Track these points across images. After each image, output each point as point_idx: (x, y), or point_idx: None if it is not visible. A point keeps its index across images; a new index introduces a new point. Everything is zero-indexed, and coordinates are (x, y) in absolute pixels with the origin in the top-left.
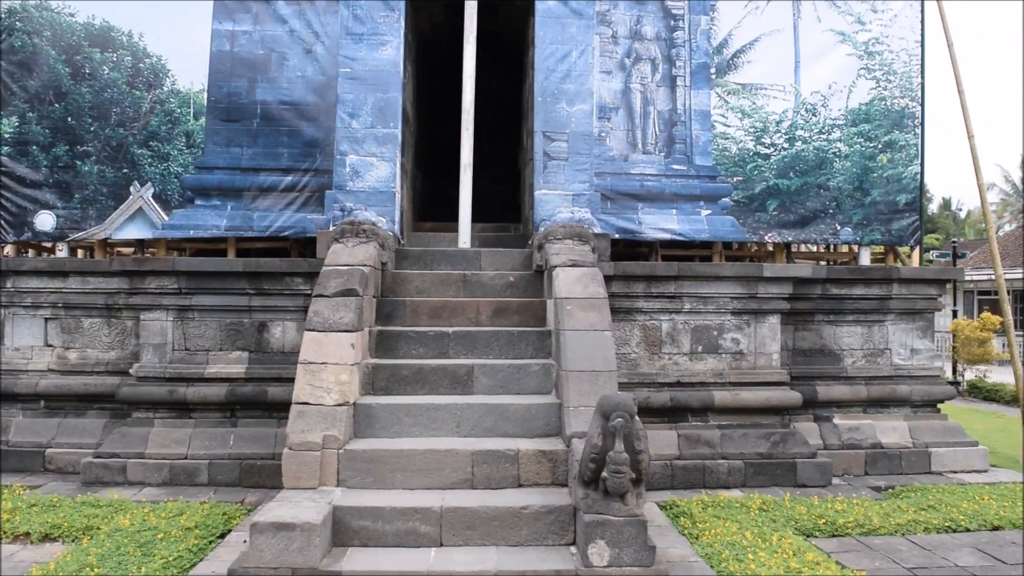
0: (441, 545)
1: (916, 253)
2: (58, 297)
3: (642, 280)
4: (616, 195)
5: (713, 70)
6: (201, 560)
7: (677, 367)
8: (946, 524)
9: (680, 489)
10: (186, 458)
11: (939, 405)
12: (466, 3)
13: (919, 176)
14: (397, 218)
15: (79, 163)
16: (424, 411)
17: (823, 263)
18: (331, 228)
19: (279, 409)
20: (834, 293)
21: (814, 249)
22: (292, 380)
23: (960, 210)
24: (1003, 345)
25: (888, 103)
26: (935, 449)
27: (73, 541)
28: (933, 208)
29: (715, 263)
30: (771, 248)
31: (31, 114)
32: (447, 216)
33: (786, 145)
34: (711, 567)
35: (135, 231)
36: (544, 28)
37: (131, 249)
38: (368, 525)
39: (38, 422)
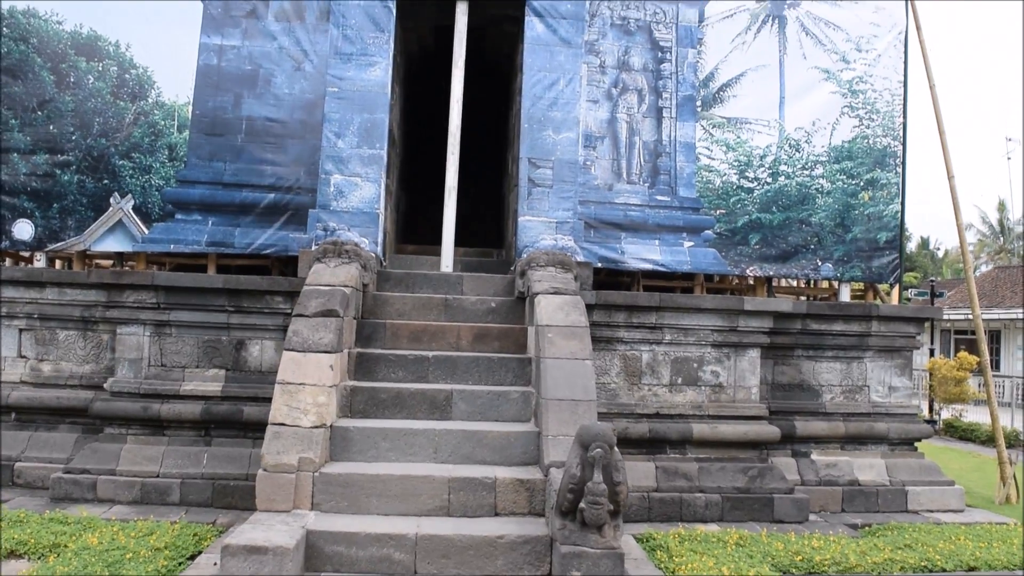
0: (415, 573)
1: (896, 291)
2: (34, 308)
3: (624, 310)
4: (600, 224)
5: (699, 103)
6: None
7: (656, 398)
8: (922, 564)
9: (657, 522)
10: (158, 476)
11: (916, 444)
12: (456, 27)
13: (900, 215)
14: (380, 239)
15: (59, 172)
16: (402, 436)
17: (803, 298)
18: (313, 247)
19: (255, 429)
20: (814, 328)
21: (794, 284)
22: (269, 400)
23: (938, 249)
24: (979, 385)
25: (871, 141)
26: (912, 488)
27: (39, 558)
28: (911, 247)
29: (696, 295)
30: (752, 282)
31: (13, 121)
32: (427, 237)
33: (769, 179)
34: None
35: (114, 243)
36: (532, 55)
37: (110, 261)
38: (342, 551)
39: (8, 435)
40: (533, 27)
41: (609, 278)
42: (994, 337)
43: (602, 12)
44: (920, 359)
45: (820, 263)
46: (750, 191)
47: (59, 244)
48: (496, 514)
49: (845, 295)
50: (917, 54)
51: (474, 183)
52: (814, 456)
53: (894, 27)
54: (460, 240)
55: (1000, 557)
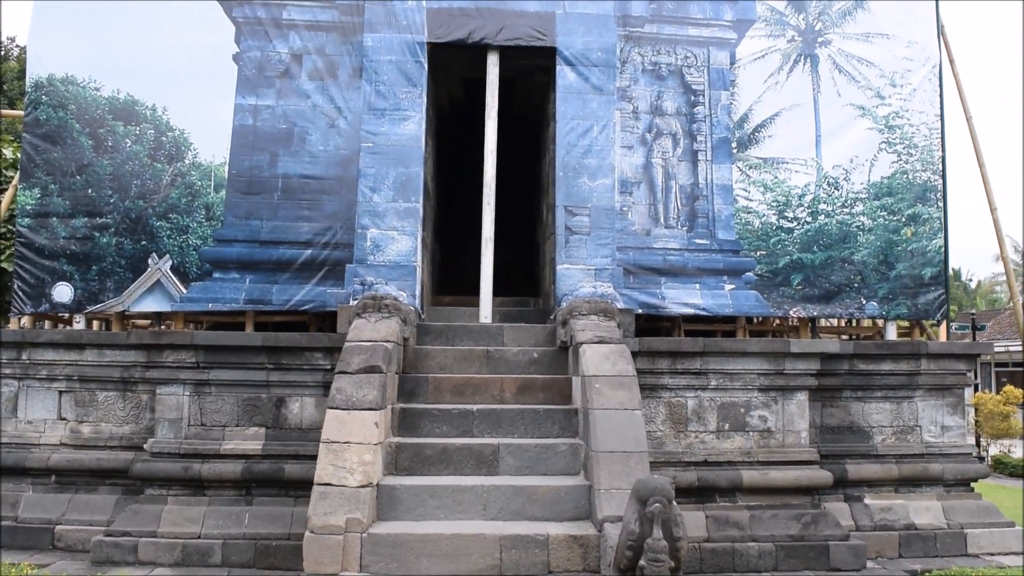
0: None
1: (943, 327)
2: (73, 370)
3: (667, 356)
4: (638, 269)
5: (734, 144)
6: None
7: (704, 445)
8: None
9: (709, 573)
10: (199, 537)
11: (972, 484)
12: (488, 77)
13: (944, 249)
14: (418, 292)
15: (97, 235)
16: (449, 493)
17: (844, 337)
18: (351, 302)
19: (296, 487)
20: (862, 369)
21: (834, 323)
22: (310, 457)
23: (970, 280)
24: None
25: (910, 176)
26: (971, 530)
27: None
28: None
29: (741, 339)
30: (796, 323)
31: (53, 186)
32: (462, 287)
33: (809, 219)
34: None
35: (153, 304)
36: (565, 103)
37: (148, 322)
38: None
39: (48, 497)
40: (565, 76)
41: (648, 323)
42: None
43: (633, 58)
44: (966, 394)
45: (864, 302)
46: (790, 231)
47: (98, 306)
48: (550, 572)
49: (891, 333)
50: (953, 86)
51: (507, 232)
52: (867, 500)
53: (927, 61)
54: (496, 290)
55: None
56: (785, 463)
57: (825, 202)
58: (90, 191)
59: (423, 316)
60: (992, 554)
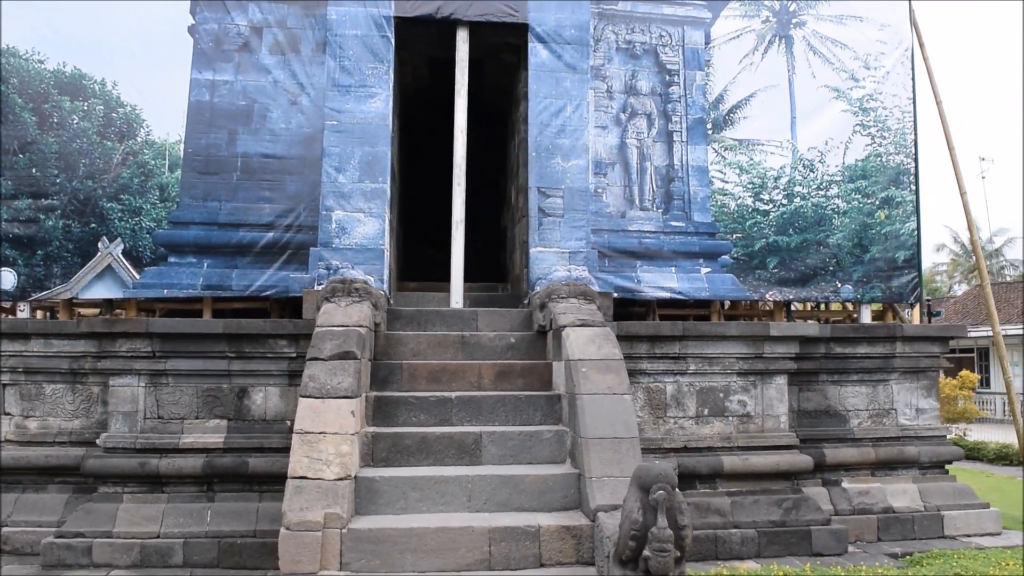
0: None
1: (916, 310)
2: (18, 361)
3: (646, 340)
4: (614, 253)
5: (710, 125)
6: None
7: (683, 431)
8: None
9: (692, 561)
10: (159, 537)
11: (946, 466)
12: (457, 54)
13: (917, 232)
14: (386, 277)
15: (43, 217)
16: (432, 484)
17: (811, 321)
18: (316, 287)
19: (261, 482)
20: (838, 352)
21: (801, 308)
22: (275, 450)
23: None
24: (981, 403)
25: (884, 159)
26: (947, 512)
27: None
28: None
29: (720, 322)
30: (769, 307)
31: None
32: (427, 274)
33: (785, 201)
34: None
35: (104, 290)
36: (538, 82)
37: (98, 310)
38: None
39: None
40: (537, 53)
41: (621, 308)
42: (982, 354)
43: (607, 36)
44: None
45: (840, 285)
46: (766, 213)
47: (44, 293)
48: (541, 565)
49: (866, 317)
50: (923, 70)
51: (471, 219)
52: (845, 484)
53: (900, 44)
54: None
55: None
56: (765, 448)
57: (801, 184)
58: (34, 171)
59: (391, 302)
60: (969, 535)
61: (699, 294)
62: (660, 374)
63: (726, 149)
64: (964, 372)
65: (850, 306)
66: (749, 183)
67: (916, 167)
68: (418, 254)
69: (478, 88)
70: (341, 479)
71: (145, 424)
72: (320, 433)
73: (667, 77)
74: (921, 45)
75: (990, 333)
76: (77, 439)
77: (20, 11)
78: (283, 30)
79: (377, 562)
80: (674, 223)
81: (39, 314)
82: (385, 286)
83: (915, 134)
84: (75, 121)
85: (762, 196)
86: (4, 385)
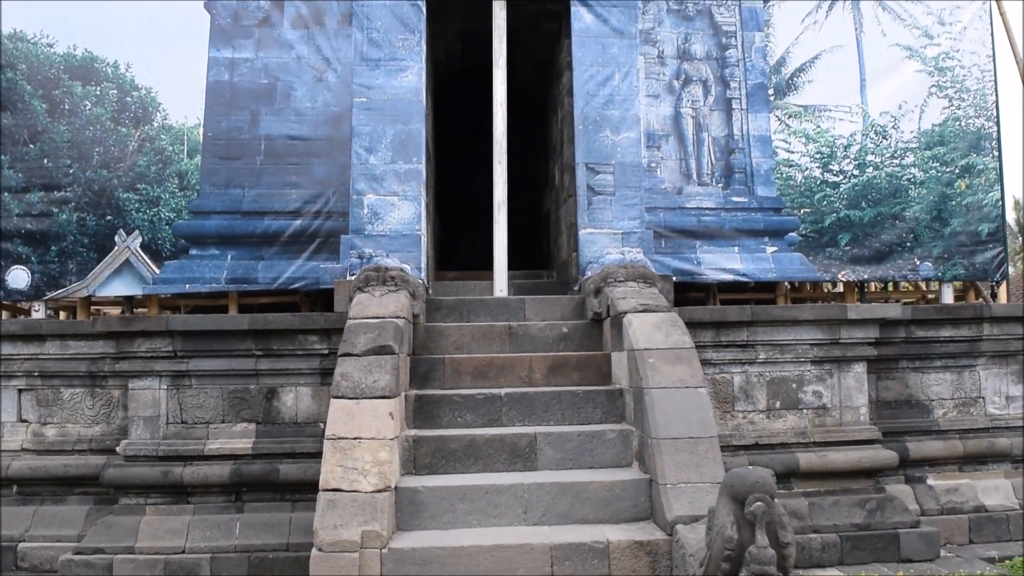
0: None
1: (1003, 288)
2: (34, 365)
3: (710, 327)
4: (670, 232)
5: (771, 91)
6: None
7: (753, 427)
8: None
9: None
10: (184, 552)
11: None
12: (494, 24)
13: (1000, 203)
14: (423, 264)
15: (56, 210)
16: (483, 494)
17: (886, 302)
18: (348, 277)
19: (293, 490)
20: (919, 336)
21: (874, 288)
22: (309, 456)
23: None
24: None
25: (963, 123)
26: None
27: None
28: None
29: (792, 306)
30: (841, 288)
31: (3, 157)
32: (466, 262)
33: (856, 172)
34: None
35: (122, 287)
36: (582, 49)
37: (117, 308)
38: None
39: (10, 511)
40: (581, 18)
41: (677, 294)
42: None
43: None
44: None
45: (918, 262)
46: (836, 186)
47: (60, 291)
48: None
49: (948, 296)
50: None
51: (509, 204)
52: (931, 481)
53: None
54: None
55: None
56: (844, 443)
57: (873, 153)
58: (46, 161)
59: (430, 291)
60: None
61: (765, 275)
62: (726, 364)
63: (790, 116)
64: None
65: (923, 285)
66: (816, 153)
67: (998, 131)
68: (453, 242)
69: (511, 67)
70: (380, 491)
71: (168, 429)
72: (355, 439)
73: (723, 40)
74: None
75: None
76: (98, 446)
77: None
78: (306, 2)
79: None
80: (736, 199)
81: (62, 315)
82: (423, 275)
83: (996, 95)
84: (87, 107)
85: (831, 167)
86: (20, 390)
